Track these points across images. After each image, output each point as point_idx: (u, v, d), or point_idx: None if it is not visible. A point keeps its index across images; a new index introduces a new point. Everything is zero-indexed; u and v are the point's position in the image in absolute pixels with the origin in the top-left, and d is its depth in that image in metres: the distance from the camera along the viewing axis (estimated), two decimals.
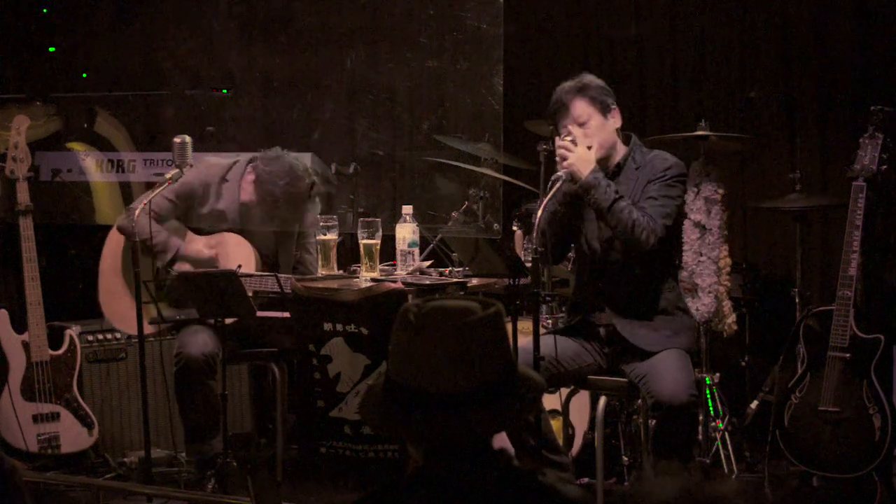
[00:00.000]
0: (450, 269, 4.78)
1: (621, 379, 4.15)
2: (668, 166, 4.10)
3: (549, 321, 4.99)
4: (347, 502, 4.41)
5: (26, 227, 5.00)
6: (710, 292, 4.97)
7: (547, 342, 4.09)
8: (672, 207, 4.06)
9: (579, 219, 4.21)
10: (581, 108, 4.11)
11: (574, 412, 4.61)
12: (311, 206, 4.95)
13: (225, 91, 6.00)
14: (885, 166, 4.48)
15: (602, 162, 4.12)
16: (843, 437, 4.38)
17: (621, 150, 4.18)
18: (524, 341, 4.08)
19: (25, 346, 5.02)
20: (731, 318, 5.06)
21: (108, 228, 5.07)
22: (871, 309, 4.69)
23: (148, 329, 4.58)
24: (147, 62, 6.25)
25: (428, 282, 4.48)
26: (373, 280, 4.52)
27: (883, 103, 4.53)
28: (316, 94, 5.96)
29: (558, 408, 4.56)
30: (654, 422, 4.11)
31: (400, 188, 5.90)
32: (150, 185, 5.71)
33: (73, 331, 5.16)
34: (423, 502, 1.99)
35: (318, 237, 4.78)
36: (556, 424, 4.51)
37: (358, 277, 4.64)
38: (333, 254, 4.75)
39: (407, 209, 4.67)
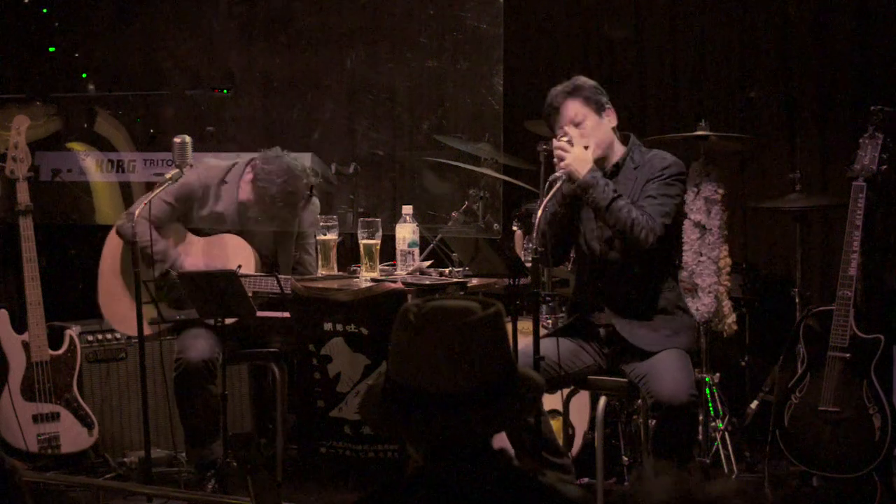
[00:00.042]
0: (450, 269, 4.78)
1: (621, 379, 4.15)
2: (667, 165, 4.10)
3: (549, 321, 4.98)
4: (347, 502, 4.42)
5: (26, 227, 5.00)
6: (710, 292, 4.97)
7: (547, 345, 4.08)
8: (671, 206, 4.06)
9: (579, 219, 4.21)
10: (575, 108, 4.11)
11: (574, 412, 4.61)
12: (310, 206, 4.95)
13: (225, 91, 5.99)
14: (885, 166, 4.48)
15: (600, 161, 4.12)
16: (843, 437, 4.38)
17: (620, 150, 4.19)
18: (524, 342, 4.08)
19: (25, 346, 5.02)
20: (731, 318, 5.06)
21: (108, 228, 5.07)
22: (871, 309, 4.69)
23: (148, 330, 4.58)
24: (147, 62, 6.25)
25: (428, 282, 4.48)
26: (373, 280, 4.52)
27: (883, 103, 4.53)
28: (316, 94, 5.96)
29: (558, 408, 4.56)
30: (654, 422, 4.11)
31: (400, 188, 5.90)
32: (150, 185, 5.71)
33: (73, 331, 5.16)
34: (423, 502, 1.99)
35: (318, 237, 4.78)
36: (556, 424, 4.51)
37: (358, 277, 4.65)
38: (333, 254, 4.76)
39: (407, 209, 4.67)
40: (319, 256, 4.79)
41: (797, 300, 5.15)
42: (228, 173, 4.91)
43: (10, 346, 5.01)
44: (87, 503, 4.70)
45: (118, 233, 4.87)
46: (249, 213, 4.84)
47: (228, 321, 4.44)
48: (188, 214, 4.90)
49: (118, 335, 5.35)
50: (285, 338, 4.77)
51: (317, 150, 5.69)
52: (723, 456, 4.89)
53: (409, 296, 4.33)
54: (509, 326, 2.78)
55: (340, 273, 4.78)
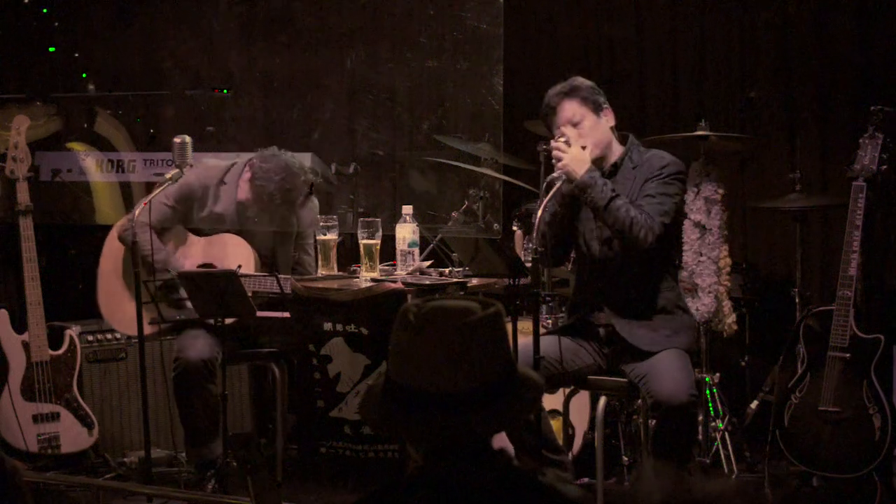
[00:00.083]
0: (450, 269, 4.78)
1: (621, 379, 4.15)
2: (666, 164, 4.10)
3: (549, 321, 4.99)
4: (347, 502, 4.41)
5: (26, 227, 5.00)
6: (710, 292, 4.97)
7: (548, 342, 4.09)
8: (670, 205, 4.06)
9: (578, 219, 4.21)
10: (573, 109, 4.11)
11: (574, 412, 4.61)
12: (309, 206, 4.94)
13: (225, 91, 5.99)
14: (885, 166, 4.48)
15: (599, 161, 4.12)
16: (843, 437, 4.38)
17: (618, 150, 4.19)
18: (524, 341, 4.08)
19: (25, 346, 5.02)
20: (731, 318, 5.06)
21: (107, 228, 5.07)
22: (871, 309, 4.69)
23: (148, 329, 4.58)
24: (147, 62, 6.25)
25: (428, 282, 4.48)
26: (373, 280, 4.52)
27: (883, 103, 4.53)
28: (316, 94, 5.96)
29: (558, 408, 4.56)
30: (653, 422, 4.11)
31: (400, 188, 5.90)
32: (150, 185, 5.71)
33: (73, 331, 5.16)
34: (423, 502, 1.99)
35: (318, 237, 4.78)
36: (556, 424, 4.51)
37: (358, 277, 4.65)
38: (333, 254, 4.76)
39: (407, 209, 4.67)
40: (319, 256, 4.79)
41: (797, 300, 5.15)
42: (227, 174, 4.91)
43: (10, 346, 5.01)
44: (87, 503, 4.70)
45: (120, 239, 4.87)
46: (249, 212, 4.84)
47: (228, 321, 4.44)
48: (188, 215, 4.90)
49: (118, 335, 5.34)
50: (285, 338, 4.77)
51: (317, 150, 5.69)
52: (723, 456, 4.89)
53: (409, 296, 4.34)
54: (509, 326, 2.78)
55: (340, 273, 4.78)
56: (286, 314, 4.64)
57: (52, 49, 6.21)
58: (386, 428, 2.17)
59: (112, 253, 4.98)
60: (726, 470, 4.86)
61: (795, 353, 4.54)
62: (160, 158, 5.96)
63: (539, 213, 3.91)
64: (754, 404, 5.26)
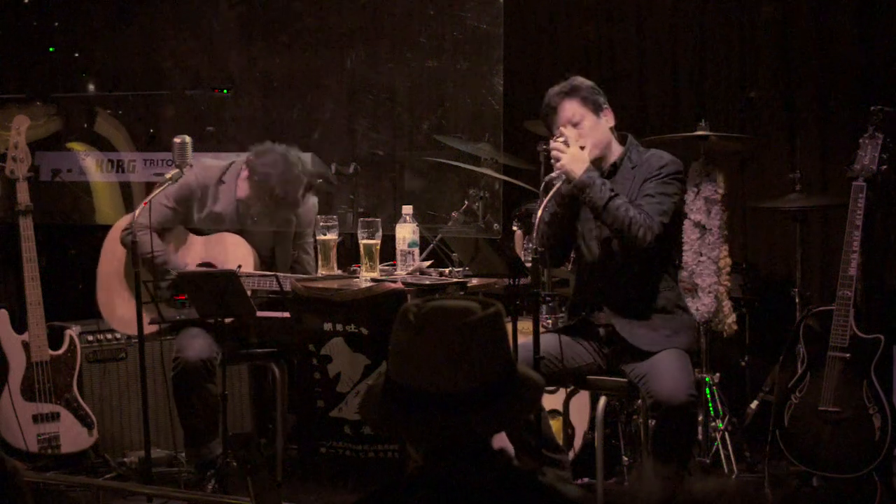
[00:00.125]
0: (450, 269, 4.78)
1: (621, 379, 4.15)
2: (664, 164, 4.11)
3: (549, 321, 4.99)
4: (347, 502, 4.41)
5: (26, 227, 5.00)
6: (710, 292, 4.97)
7: (548, 340, 4.09)
8: (669, 205, 4.06)
9: (578, 219, 4.22)
10: (573, 109, 4.12)
11: (574, 412, 4.61)
12: (308, 203, 4.94)
13: (225, 91, 5.99)
14: (885, 166, 4.48)
15: (598, 162, 4.13)
16: (843, 437, 4.38)
17: (617, 150, 4.19)
18: (524, 341, 4.08)
19: (25, 346, 5.02)
20: (731, 318, 5.06)
21: (107, 228, 5.07)
22: (871, 309, 4.69)
23: (148, 329, 4.58)
24: (147, 62, 6.25)
25: (428, 282, 4.48)
26: (373, 280, 4.52)
27: (883, 103, 4.53)
28: (316, 94, 5.96)
29: (558, 408, 4.56)
30: (653, 422, 4.11)
31: (400, 188, 5.90)
32: (150, 185, 5.71)
33: (73, 331, 5.16)
34: (423, 502, 1.99)
35: (318, 237, 4.78)
36: (556, 424, 4.52)
37: (358, 277, 4.64)
38: (333, 254, 4.75)
39: (407, 209, 4.67)
40: (319, 256, 4.79)
41: (797, 300, 5.15)
42: (225, 173, 4.91)
43: (10, 346, 5.01)
44: (87, 503, 4.70)
45: (122, 243, 4.86)
46: (251, 209, 4.84)
47: (228, 321, 4.44)
48: (188, 216, 4.90)
49: (118, 335, 5.35)
50: (285, 338, 4.77)
51: (317, 150, 5.68)
52: (723, 456, 4.89)
53: (409, 296, 4.33)
54: (509, 326, 2.78)
55: (340, 273, 4.77)
56: (286, 314, 4.64)
57: (52, 49, 6.21)
58: (386, 428, 2.17)
59: (112, 253, 4.98)
60: (726, 470, 4.86)
61: (795, 353, 4.54)
62: (160, 158, 5.96)
63: (539, 213, 3.91)
64: (754, 404, 5.26)
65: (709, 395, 4.93)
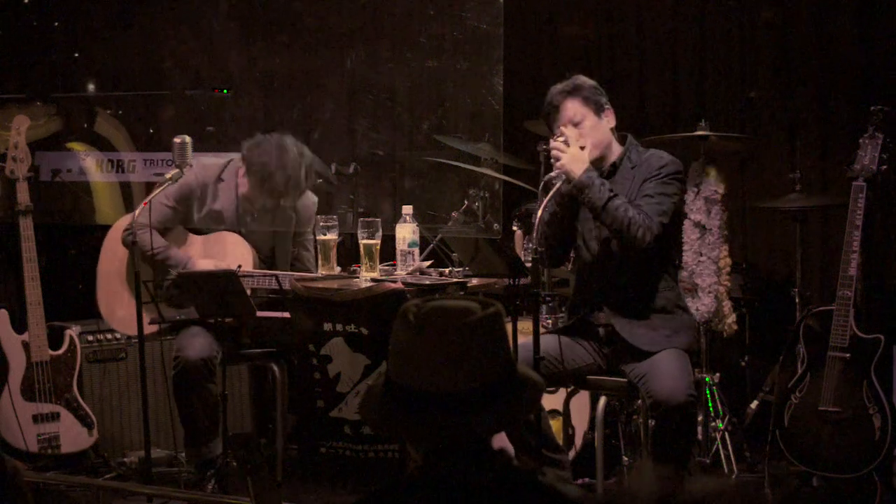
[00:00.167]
0: (450, 269, 4.78)
1: (621, 379, 4.15)
2: (664, 164, 4.11)
3: (549, 321, 4.99)
4: (347, 502, 4.41)
5: (26, 227, 5.00)
6: (710, 292, 4.97)
7: (548, 341, 4.09)
8: (668, 205, 4.06)
9: (577, 219, 4.22)
10: (574, 108, 4.12)
11: (574, 412, 4.61)
12: (307, 200, 4.94)
13: (225, 91, 5.99)
14: (885, 166, 4.48)
15: (598, 162, 4.13)
16: (843, 437, 4.38)
17: (617, 150, 4.19)
18: (524, 341, 4.08)
19: (25, 346, 5.02)
20: (731, 318, 5.06)
21: (107, 228, 5.07)
22: (871, 309, 4.69)
23: (148, 329, 4.58)
24: (147, 62, 6.25)
25: (428, 282, 4.48)
26: (373, 280, 4.52)
27: (883, 103, 4.54)
28: (316, 94, 5.96)
29: (558, 408, 4.56)
30: (653, 422, 4.11)
31: (400, 188, 5.90)
32: (150, 185, 5.71)
33: (73, 331, 5.16)
34: (422, 502, 1.99)
35: (318, 237, 4.78)
36: (556, 424, 4.52)
37: (358, 277, 4.64)
38: (333, 254, 4.75)
39: (407, 209, 4.67)
40: (319, 256, 4.79)
41: (797, 300, 5.16)
42: (224, 171, 4.91)
43: (10, 346, 5.01)
44: (87, 503, 4.70)
45: (123, 244, 4.86)
46: (255, 204, 4.83)
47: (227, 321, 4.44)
48: (188, 215, 4.90)
49: (118, 335, 5.35)
50: (285, 338, 4.77)
51: (317, 150, 5.67)
52: (723, 456, 4.89)
53: (409, 296, 4.33)
54: (509, 326, 2.78)
55: (340, 273, 4.77)
56: (286, 314, 4.64)
57: (51, 49, 6.20)
58: (386, 428, 2.17)
59: (112, 253, 4.98)
60: (726, 470, 4.86)
61: (795, 353, 4.54)
62: (160, 158, 5.96)
63: (539, 213, 3.91)
64: (754, 404, 5.26)
65: (709, 395, 4.93)
